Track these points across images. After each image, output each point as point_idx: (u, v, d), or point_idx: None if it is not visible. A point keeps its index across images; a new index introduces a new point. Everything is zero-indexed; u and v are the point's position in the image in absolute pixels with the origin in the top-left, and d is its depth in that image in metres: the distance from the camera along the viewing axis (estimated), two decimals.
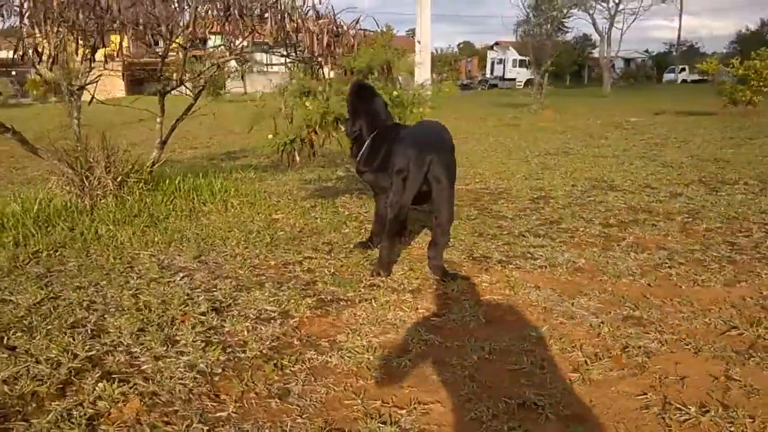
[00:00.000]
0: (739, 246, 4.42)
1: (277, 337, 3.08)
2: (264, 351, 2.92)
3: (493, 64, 58.18)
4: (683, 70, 51.80)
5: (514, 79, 52.14)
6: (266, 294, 3.66)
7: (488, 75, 57.30)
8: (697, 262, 4.09)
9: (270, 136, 4.99)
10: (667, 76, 52.69)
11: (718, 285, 3.65)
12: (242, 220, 5.49)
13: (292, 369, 2.74)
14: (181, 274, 4.05)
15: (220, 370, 2.73)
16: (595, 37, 48.85)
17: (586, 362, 2.74)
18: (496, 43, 61.24)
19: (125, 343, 2.99)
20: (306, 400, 2.48)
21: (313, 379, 2.65)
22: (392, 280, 3.88)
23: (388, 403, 2.45)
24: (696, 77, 50.16)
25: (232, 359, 2.84)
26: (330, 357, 2.84)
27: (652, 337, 2.97)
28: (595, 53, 56.32)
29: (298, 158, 5.25)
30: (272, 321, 3.29)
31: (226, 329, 3.17)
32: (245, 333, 3.13)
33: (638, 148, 10.25)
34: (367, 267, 4.13)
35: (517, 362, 2.75)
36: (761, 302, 3.38)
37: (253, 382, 2.62)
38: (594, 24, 44.98)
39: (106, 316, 3.33)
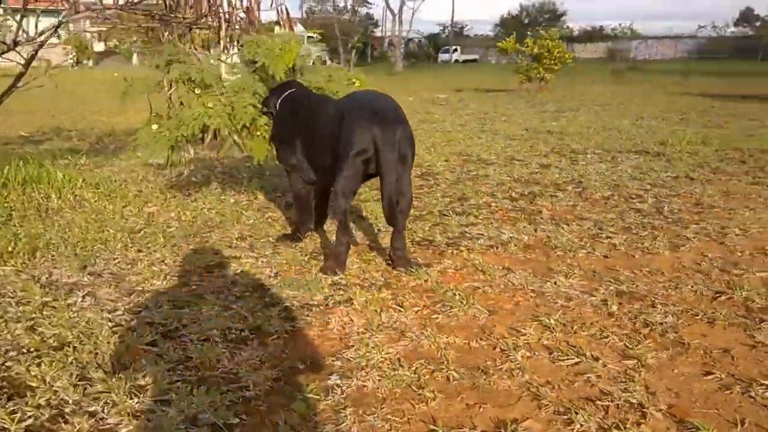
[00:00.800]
0: (646, 212, 4.64)
1: (269, 360, 2.48)
2: (270, 384, 2.32)
3: None
4: (455, 50, 55.74)
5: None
6: (216, 308, 2.98)
7: None
8: (625, 230, 4.20)
9: (154, 127, 4.05)
10: (442, 57, 56.42)
11: (666, 251, 3.76)
12: (108, 216, 4.53)
13: (327, 402, 2.20)
14: (79, 293, 3.16)
15: (235, 422, 2.09)
16: (377, 16, 50.41)
17: (626, 346, 2.59)
18: (278, 22, 59.95)
19: (70, 401, 2.18)
20: None
21: (364, 412, 2.14)
22: (352, 276, 3.41)
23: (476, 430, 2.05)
24: (466, 57, 54.58)
25: (237, 402, 2.20)
26: (359, 379, 2.34)
27: (660, 310, 2.92)
28: (377, 32, 58.27)
29: (186, 157, 4.38)
30: (249, 342, 2.66)
31: (197, 360, 2.48)
32: (225, 362, 2.47)
33: (473, 123, 10.61)
34: (312, 263, 3.59)
35: (563, 355, 2.51)
36: (715, 265, 3.52)
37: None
38: (387, 2, 46.26)
39: (8, 364, 2.42)
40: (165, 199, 5.05)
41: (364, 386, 2.30)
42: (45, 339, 2.65)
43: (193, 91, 3.94)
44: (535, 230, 4.20)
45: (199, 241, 4.07)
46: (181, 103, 4.13)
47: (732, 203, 4.83)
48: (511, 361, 2.47)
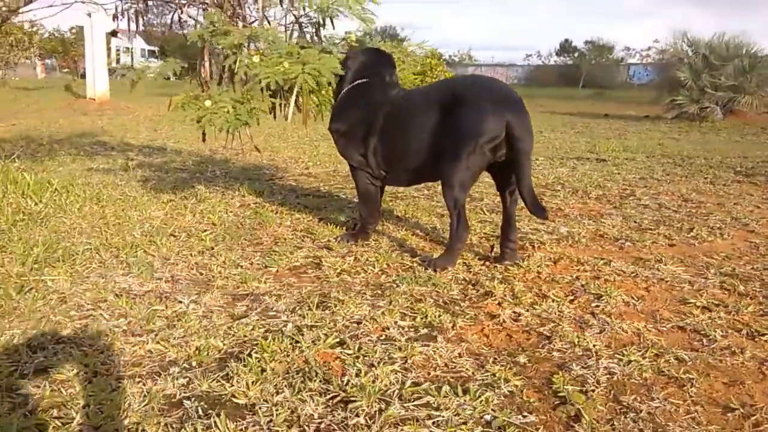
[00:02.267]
0: (653, 207, 4.92)
1: (472, 354, 2.24)
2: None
3: (119, 52, 53.61)
4: None
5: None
6: (365, 306, 2.65)
7: (115, 65, 52.36)
8: (658, 223, 4.40)
9: (207, 103, 3.48)
10: None
11: (717, 239, 3.98)
12: (112, 220, 3.93)
13: (597, 392, 2.03)
14: (183, 301, 2.66)
15: None
16: None
17: None
18: (115, 32, 56.28)
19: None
20: None
21: (629, 397, 2.00)
22: (462, 271, 3.21)
23: None
24: None
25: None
26: (604, 369, 2.19)
27: None
28: None
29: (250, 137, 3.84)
30: (435, 338, 2.38)
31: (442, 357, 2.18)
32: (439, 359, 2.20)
33: None
34: (403, 261, 3.35)
35: (757, 332, 2.54)
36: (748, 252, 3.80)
37: None
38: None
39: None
40: (164, 203, 4.44)
41: (613, 373, 2.15)
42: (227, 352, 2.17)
43: (251, 59, 3.43)
44: (578, 225, 4.24)
45: (254, 242, 3.63)
46: (245, 75, 3.54)
47: (711, 198, 5.27)
48: (725, 339, 2.44)
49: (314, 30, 3.82)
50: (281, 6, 3.76)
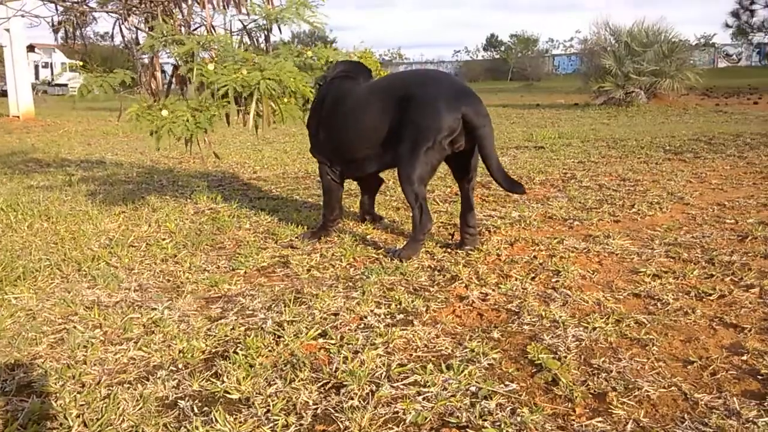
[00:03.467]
0: (593, 188, 5.17)
1: (451, 333, 2.36)
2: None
3: (37, 68, 51.34)
4: None
5: (66, 85, 47.07)
6: (339, 299, 2.73)
7: (34, 80, 49.96)
8: (600, 202, 4.64)
9: (164, 113, 3.45)
10: None
11: (657, 212, 4.23)
12: (67, 235, 3.87)
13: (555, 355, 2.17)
14: (157, 309, 2.67)
15: None
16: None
17: (733, 280, 2.92)
18: (33, 47, 53.88)
19: None
20: None
21: (598, 358, 2.16)
22: (426, 258, 3.33)
23: None
24: None
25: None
26: (575, 337, 2.34)
27: (721, 252, 3.32)
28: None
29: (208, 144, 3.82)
30: (412, 323, 2.49)
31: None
32: (418, 342, 2.30)
33: None
34: (366, 253, 3.44)
35: (703, 293, 2.75)
36: (706, 218, 4.08)
37: None
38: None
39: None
40: (117, 215, 4.38)
41: (581, 340, 2.30)
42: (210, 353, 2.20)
43: (206, 67, 3.44)
44: (529, 208, 4.43)
45: (217, 246, 3.64)
46: (200, 84, 3.56)
47: (646, 176, 5.58)
48: (677, 302, 2.63)
49: (264, 36, 3.85)
50: (226, 13, 3.77)
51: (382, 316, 2.53)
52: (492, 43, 59.03)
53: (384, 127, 3.33)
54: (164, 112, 3.44)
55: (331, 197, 3.74)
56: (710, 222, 3.91)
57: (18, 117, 16.00)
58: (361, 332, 2.37)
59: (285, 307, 2.63)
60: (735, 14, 25.89)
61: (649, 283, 2.87)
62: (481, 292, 2.79)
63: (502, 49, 54.85)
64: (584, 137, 8.74)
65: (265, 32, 3.87)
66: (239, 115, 3.73)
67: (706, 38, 39.23)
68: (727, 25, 26.33)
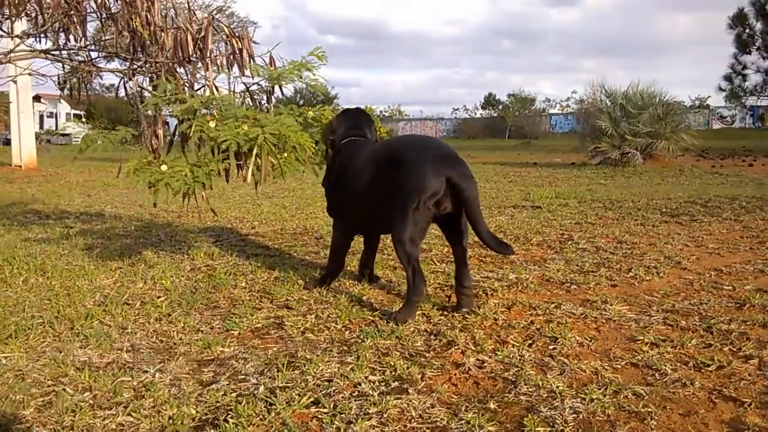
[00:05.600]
0: (590, 250, 5.18)
1: (443, 403, 2.32)
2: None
3: (42, 117, 52.16)
4: None
5: (69, 134, 47.75)
6: (333, 364, 2.69)
7: (39, 129, 50.61)
8: (598, 265, 4.64)
9: (163, 168, 3.50)
10: None
11: (654, 277, 4.23)
12: (61, 291, 3.86)
13: (550, 429, 2.13)
14: (148, 371, 2.63)
15: None
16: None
17: (731, 349, 2.89)
18: (38, 97, 54.83)
19: None
20: None
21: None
22: (423, 323, 3.30)
23: None
24: None
25: None
26: (572, 409, 2.30)
27: (720, 320, 3.30)
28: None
29: (205, 200, 3.84)
30: (407, 391, 2.45)
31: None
32: (412, 412, 2.26)
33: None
34: (362, 315, 3.42)
35: (703, 364, 2.72)
36: (703, 284, 4.07)
37: None
38: None
39: None
40: (113, 270, 4.37)
41: (579, 412, 2.26)
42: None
43: (207, 124, 3.50)
44: (526, 270, 4.43)
45: (211, 305, 3.61)
46: (199, 140, 3.61)
47: (642, 239, 5.59)
48: (675, 372, 2.60)
49: (265, 97, 3.94)
50: (230, 74, 3.86)
51: (377, 384, 2.50)
52: (490, 101, 60.07)
53: (379, 190, 3.45)
54: (163, 167, 3.49)
55: (338, 253, 3.94)
56: (708, 288, 3.90)
57: (20, 166, 16.14)
58: (355, 401, 2.33)
59: (278, 372, 2.59)
60: (728, 78, 26.49)
61: (647, 351, 2.84)
62: (477, 359, 2.76)
63: (500, 107, 55.79)
64: (581, 197, 8.81)
65: (267, 94, 3.96)
66: (239, 170, 3.76)
67: (701, 100, 40.06)
68: (721, 89, 26.89)
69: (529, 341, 2.98)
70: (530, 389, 2.44)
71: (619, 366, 2.69)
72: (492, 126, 50.27)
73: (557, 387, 2.44)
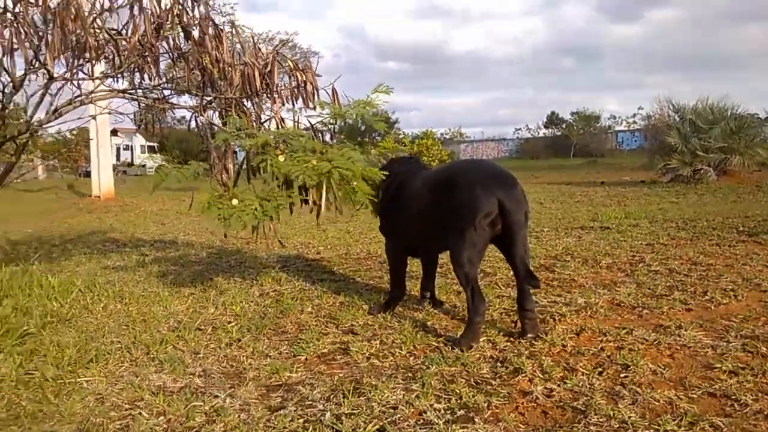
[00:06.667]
0: (663, 273, 5.00)
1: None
2: None
3: (119, 150, 54.95)
4: None
5: (144, 166, 50.07)
6: (399, 391, 2.69)
7: (115, 162, 53.25)
8: (671, 288, 4.46)
9: (234, 202, 3.64)
10: None
11: (732, 301, 4.03)
12: (137, 317, 4.02)
13: None
14: (219, 396, 2.69)
15: None
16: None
17: None
18: (115, 131, 57.81)
19: None
20: None
21: None
22: (490, 349, 3.26)
23: None
24: None
25: None
26: None
27: None
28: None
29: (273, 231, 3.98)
30: (474, 420, 2.42)
31: None
32: None
33: None
34: (429, 341, 3.40)
35: None
36: None
37: None
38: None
39: None
40: (186, 296, 4.53)
41: None
42: None
43: (276, 158, 3.63)
44: (595, 294, 4.31)
45: (279, 330, 3.69)
46: (270, 173, 3.74)
47: (718, 260, 5.35)
48: (756, 403, 2.47)
49: (329, 134, 4.05)
50: (295, 108, 3.99)
51: (442, 412, 2.49)
52: (553, 120, 59.06)
53: (435, 213, 3.53)
54: (234, 201, 3.62)
55: (397, 272, 4.07)
56: None
57: (99, 197, 17.02)
58: (420, 429, 2.33)
59: (344, 398, 2.62)
60: None
61: (726, 380, 2.71)
62: (545, 387, 2.71)
63: (564, 126, 54.77)
64: (652, 217, 8.53)
65: (331, 130, 4.08)
66: (303, 204, 3.86)
67: None
68: None
69: (600, 369, 2.90)
70: (601, 419, 2.38)
71: (695, 395, 2.58)
72: (555, 145, 49.37)
73: (629, 417, 2.37)
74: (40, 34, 3.94)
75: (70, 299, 4.32)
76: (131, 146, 54.10)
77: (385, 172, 3.93)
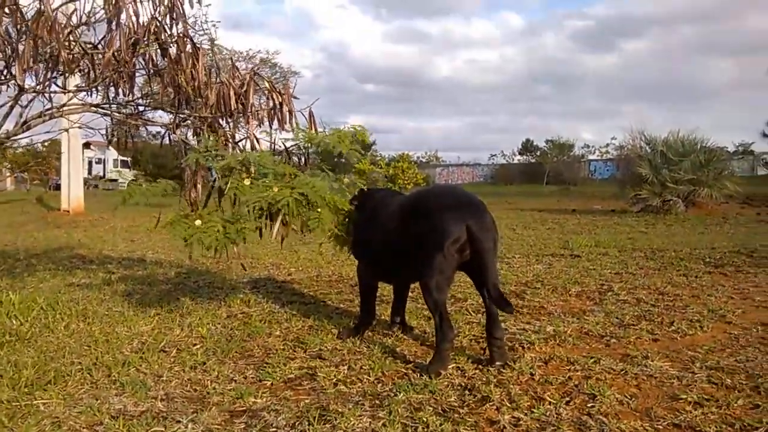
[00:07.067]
0: (631, 302, 5.05)
1: None
2: None
3: (91, 163, 54.16)
4: None
5: (116, 180, 49.39)
6: (365, 418, 2.66)
7: (87, 175, 52.45)
8: (639, 318, 4.52)
9: (197, 223, 3.59)
10: None
11: (697, 332, 4.08)
12: (100, 337, 3.93)
13: None
14: (181, 421, 2.63)
15: None
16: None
17: None
18: (88, 144, 57.02)
19: None
20: None
21: None
22: (455, 375, 3.25)
23: None
24: None
25: None
26: None
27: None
28: None
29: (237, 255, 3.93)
30: None
31: None
32: None
33: None
34: (396, 367, 3.38)
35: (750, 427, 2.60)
36: (750, 340, 3.92)
37: None
38: None
39: None
40: (151, 317, 4.44)
41: None
42: None
43: (242, 182, 3.61)
44: (564, 322, 4.33)
45: (246, 354, 3.63)
46: (233, 196, 3.71)
47: (685, 291, 5.43)
48: None
49: (304, 156, 4.05)
50: (270, 128, 3.98)
51: None
52: (527, 147, 59.74)
53: (405, 239, 3.52)
54: (197, 222, 3.57)
55: (367, 296, 4.04)
56: (754, 344, 3.76)
57: (68, 211, 16.71)
58: None
59: (309, 425, 2.58)
60: None
61: (691, 411, 2.73)
62: (512, 416, 2.70)
63: (538, 153, 55.44)
64: (621, 246, 8.64)
65: (305, 155, 4.07)
66: (267, 228, 3.83)
67: (745, 146, 39.17)
68: (765, 135, 26.35)
69: (567, 398, 2.90)
70: None
71: (660, 426, 2.59)
72: (529, 172, 49.91)
73: None
74: (13, 45, 3.88)
75: (31, 317, 4.21)
76: (104, 160, 53.37)
77: (355, 202, 3.94)
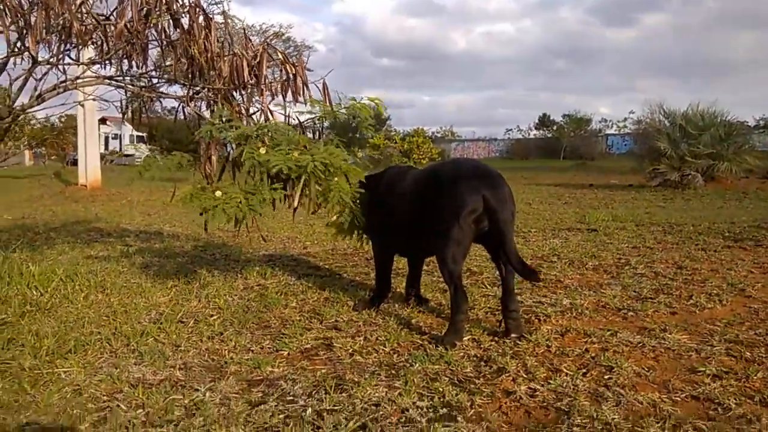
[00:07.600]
0: (648, 276, 5.01)
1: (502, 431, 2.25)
2: None
3: (107, 139, 54.53)
4: None
5: (132, 155, 49.71)
6: (381, 388, 2.66)
7: (103, 150, 52.86)
8: (657, 291, 4.48)
9: (218, 194, 3.58)
10: None
11: (716, 305, 4.05)
12: (119, 308, 3.97)
13: None
14: (199, 390, 2.65)
15: None
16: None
17: None
18: (104, 119, 57.37)
19: None
20: None
21: None
22: (472, 347, 3.24)
23: None
24: None
25: None
26: None
27: None
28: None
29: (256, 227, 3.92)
30: (457, 419, 2.39)
31: None
32: None
33: None
34: (411, 338, 3.38)
35: None
36: None
37: None
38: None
39: None
40: (168, 288, 4.47)
41: None
42: None
43: (258, 150, 3.58)
44: (581, 295, 4.30)
45: (263, 325, 3.66)
46: (249, 167, 3.68)
47: (704, 265, 5.37)
48: (739, 407, 2.47)
49: (318, 132, 4.01)
50: (284, 100, 3.95)
51: (425, 410, 2.46)
52: (544, 122, 59.04)
53: (421, 211, 3.49)
54: (218, 193, 3.57)
55: (383, 269, 4.02)
56: None
57: (86, 186, 16.83)
58: (402, 427, 2.31)
59: (326, 394, 2.59)
60: None
61: (709, 384, 2.71)
62: (529, 387, 2.69)
63: (555, 128, 54.76)
64: (639, 221, 8.55)
65: (320, 128, 4.04)
66: (285, 199, 3.80)
67: (766, 120, 38.41)
68: None
69: (584, 370, 2.89)
70: (584, 421, 2.36)
71: (678, 398, 2.57)
72: (546, 147, 49.40)
73: (612, 419, 2.35)
74: (26, 16, 3.87)
75: (51, 288, 4.25)
76: (120, 135, 53.65)
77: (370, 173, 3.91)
